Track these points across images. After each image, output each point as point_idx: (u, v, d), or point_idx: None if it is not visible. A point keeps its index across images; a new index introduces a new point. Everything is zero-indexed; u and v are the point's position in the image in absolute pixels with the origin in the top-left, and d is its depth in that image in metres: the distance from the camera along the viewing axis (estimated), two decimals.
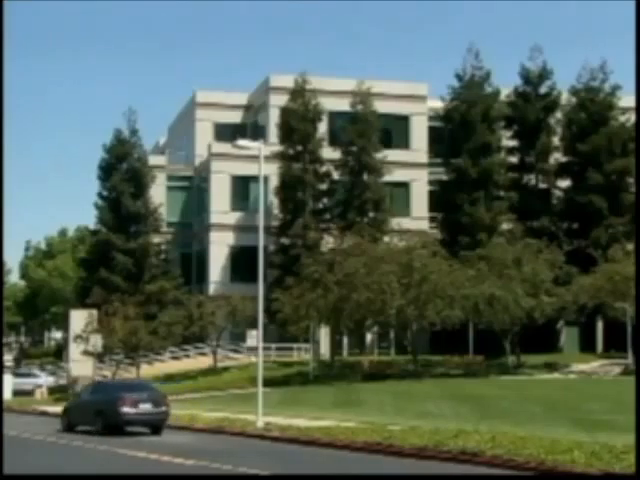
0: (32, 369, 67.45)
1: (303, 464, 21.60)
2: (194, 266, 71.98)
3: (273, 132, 67.35)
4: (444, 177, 67.79)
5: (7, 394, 52.90)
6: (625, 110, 67.90)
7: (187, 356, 62.80)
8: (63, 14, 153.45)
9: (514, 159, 69.38)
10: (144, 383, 36.22)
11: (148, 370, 58.41)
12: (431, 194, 69.66)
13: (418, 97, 70.64)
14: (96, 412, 30.27)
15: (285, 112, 65.51)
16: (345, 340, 64.04)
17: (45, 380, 61.17)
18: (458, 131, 66.85)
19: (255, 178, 53.91)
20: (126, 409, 29.61)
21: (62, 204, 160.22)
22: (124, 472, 19.91)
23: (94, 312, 54.87)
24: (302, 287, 52.59)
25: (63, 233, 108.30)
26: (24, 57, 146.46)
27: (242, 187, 68.28)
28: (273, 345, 60.22)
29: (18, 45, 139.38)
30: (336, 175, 66.21)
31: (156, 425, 30.27)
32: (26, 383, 58.29)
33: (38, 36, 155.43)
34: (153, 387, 34.06)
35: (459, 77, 68.15)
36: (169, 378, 56.91)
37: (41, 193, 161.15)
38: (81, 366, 53.66)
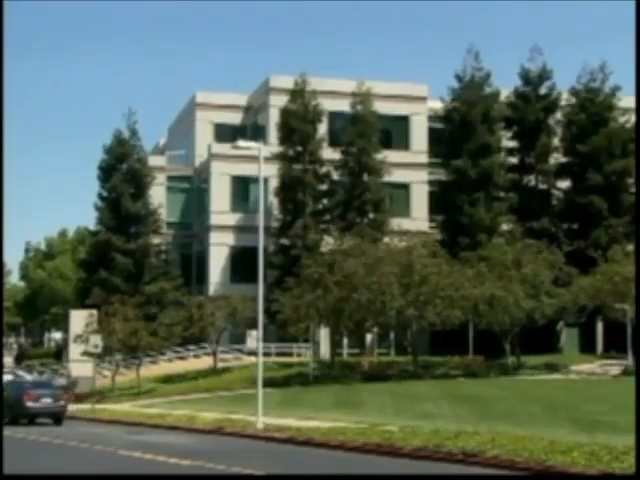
0: (15, 369, 67.02)
1: (301, 465, 21.54)
2: (194, 267, 71.93)
3: (273, 133, 67.32)
4: (444, 178, 67.69)
5: None
6: (625, 111, 67.82)
7: (187, 357, 62.73)
8: (62, 14, 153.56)
9: (514, 160, 69.33)
10: (47, 382, 43.33)
11: (148, 371, 58.35)
12: (431, 195, 69.63)
13: (418, 98, 70.62)
14: (6, 406, 35.83)
15: (285, 113, 65.47)
16: (345, 341, 63.95)
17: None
18: (458, 132, 66.79)
19: (255, 179, 53.95)
20: (30, 403, 36.02)
21: (62, 205, 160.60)
22: (119, 472, 19.86)
23: (94, 313, 54.78)
24: (302, 288, 52.51)
25: (63, 234, 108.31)
26: (23, 57, 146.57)
27: (242, 188, 68.27)
28: (273, 346, 60.16)
29: (18, 45, 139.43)
30: (336, 176, 66.16)
31: (56, 416, 36.51)
32: None
33: (37, 36, 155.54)
34: (54, 385, 41.47)
35: (459, 78, 68.10)
36: (169, 379, 56.89)
37: (41, 194, 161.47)
38: (81, 367, 53.57)
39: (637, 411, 24.58)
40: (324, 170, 65.96)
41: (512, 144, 69.38)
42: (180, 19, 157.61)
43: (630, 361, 53.08)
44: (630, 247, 56.74)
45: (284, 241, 64.39)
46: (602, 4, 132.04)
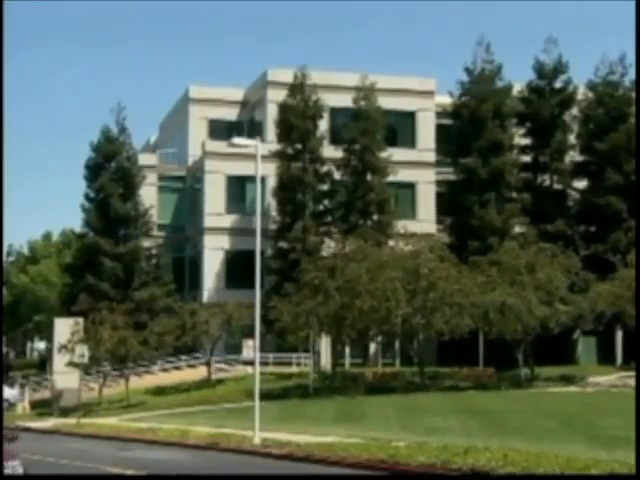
0: None
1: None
2: (187, 272, 71.97)
3: (271, 130, 67.33)
4: (452, 177, 67.77)
5: None
6: None
7: (179, 368, 62.73)
8: (51, 9, 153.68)
9: (527, 158, 69.36)
10: None
11: (138, 382, 58.33)
12: (439, 195, 69.64)
13: (425, 92, 70.66)
14: None
15: (284, 108, 65.49)
16: (347, 350, 63.93)
17: (10, 393, 60.83)
18: (467, 128, 66.88)
19: (252, 178, 53.87)
20: None
21: (46, 206, 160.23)
22: None
23: (80, 321, 54.83)
24: (301, 294, 52.59)
25: (47, 237, 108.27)
26: (11, 53, 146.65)
27: (238, 188, 68.29)
28: (271, 356, 60.18)
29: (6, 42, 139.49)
30: (338, 175, 66.17)
31: None
32: None
33: (25, 31, 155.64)
34: None
35: (469, 71, 68.15)
36: (160, 391, 56.88)
37: (24, 194, 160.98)
38: (66, 378, 53.59)
39: (637, 412, 24.66)
40: (325, 169, 65.98)
41: (525, 141, 69.41)
42: (173, 10, 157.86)
43: None
44: None
45: (282, 244, 64.40)
46: None
